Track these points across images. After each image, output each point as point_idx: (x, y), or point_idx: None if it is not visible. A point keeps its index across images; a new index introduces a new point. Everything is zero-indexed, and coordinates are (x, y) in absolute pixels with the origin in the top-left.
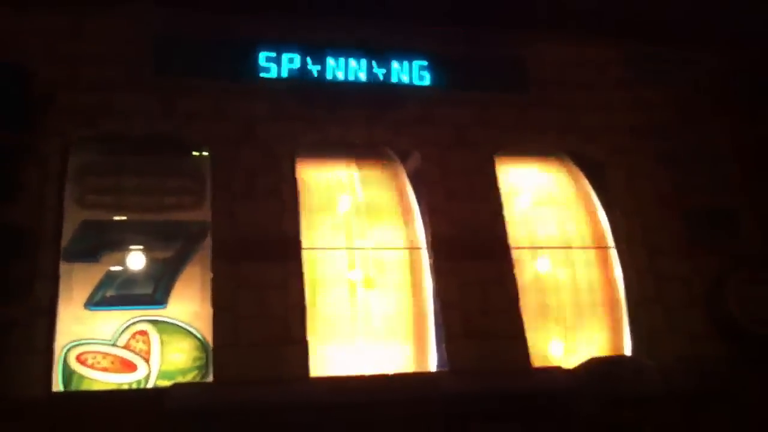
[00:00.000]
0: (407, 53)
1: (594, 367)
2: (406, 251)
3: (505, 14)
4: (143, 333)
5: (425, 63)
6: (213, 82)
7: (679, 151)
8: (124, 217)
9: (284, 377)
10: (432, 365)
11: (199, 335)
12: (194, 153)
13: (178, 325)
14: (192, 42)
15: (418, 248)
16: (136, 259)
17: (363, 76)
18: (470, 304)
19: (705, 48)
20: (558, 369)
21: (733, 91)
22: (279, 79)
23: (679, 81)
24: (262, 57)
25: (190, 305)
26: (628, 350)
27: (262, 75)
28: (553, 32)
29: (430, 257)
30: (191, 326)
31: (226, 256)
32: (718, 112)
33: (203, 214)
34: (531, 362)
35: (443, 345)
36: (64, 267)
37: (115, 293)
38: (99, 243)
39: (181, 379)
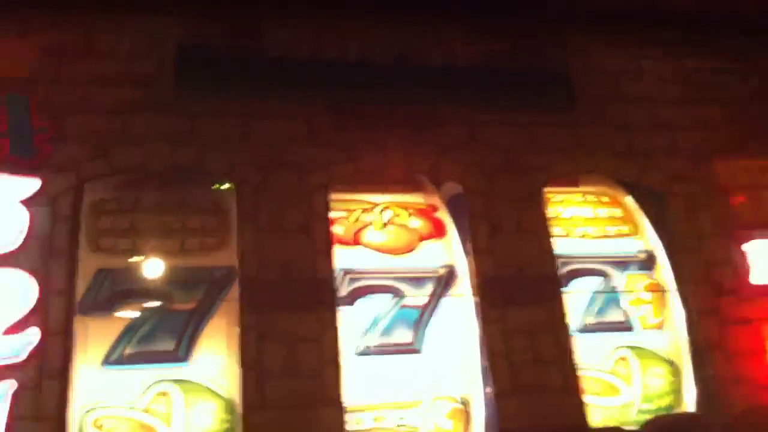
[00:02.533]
0: (448, 70)
1: (658, 426)
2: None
3: (554, 24)
4: (165, 394)
5: (468, 80)
6: (238, 103)
7: (743, 176)
8: (141, 263)
9: None
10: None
11: (225, 395)
12: (217, 186)
13: (203, 385)
14: (214, 59)
15: (462, 295)
16: (156, 312)
17: (400, 96)
18: (518, 354)
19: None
20: (618, 429)
21: None
22: (311, 100)
23: (741, 95)
24: (292, 74)
25: (215, 361)
26: (691, 403)
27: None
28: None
29: (475, 302)
30: (217, 385)
31: (254, 305)
32: None
33: (228, 257)
34: (587, 420)
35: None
36: (77, 320)
37: (135, 350)
38: (115, 294)
39: None
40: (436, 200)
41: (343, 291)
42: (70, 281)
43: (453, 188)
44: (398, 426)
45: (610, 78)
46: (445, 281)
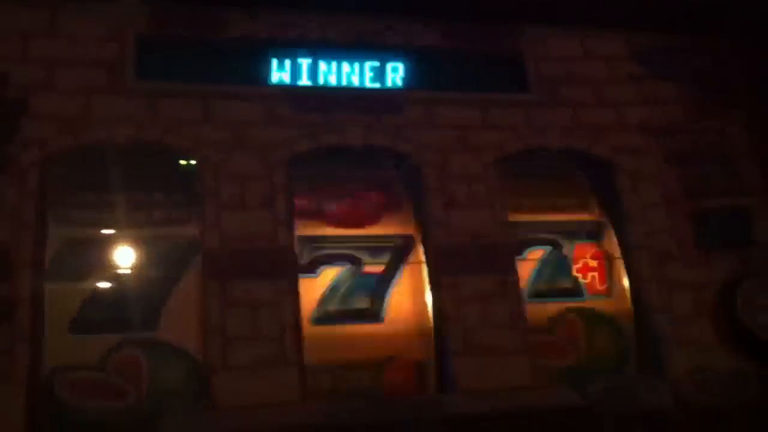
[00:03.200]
0: (405, 53)
1: (603, 384)
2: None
3: (506, 8)
4: (133, 357)
5: (425, 62)
6: (201, 85)
7: (689, 149)
8: (110, 233)
9: (280, 401)
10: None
11: (191, 358)
12: (182, 162)
13: (169, 348)
14: (177, 42)
15: (419, 263)
16: (122, 279)
17: (357, 80)
18: (472, 320)
19: (716, 37)
20: (566, 388)
21: (747, 81)
22: (271, 82)
23: (691, 74)
24: (251, 59)
25: (181, 326)
26: (636, 364)
27: (254, 78)
28: (555, 26)
29: (429, 271)
30: (183, 348)
31: (216, 273)
32: (732, 106)
33: (193, 229)
34: (537, 379)
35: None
36: (46, 289)
37: (102, 316)
38: (83, 263)
39: (174, 404)
40: (395, 175)
41: (304, 260)
42: (39, 251)
43: (411, 164)
44: (356, 386)
45: (561, 59)
46: (402, 250)
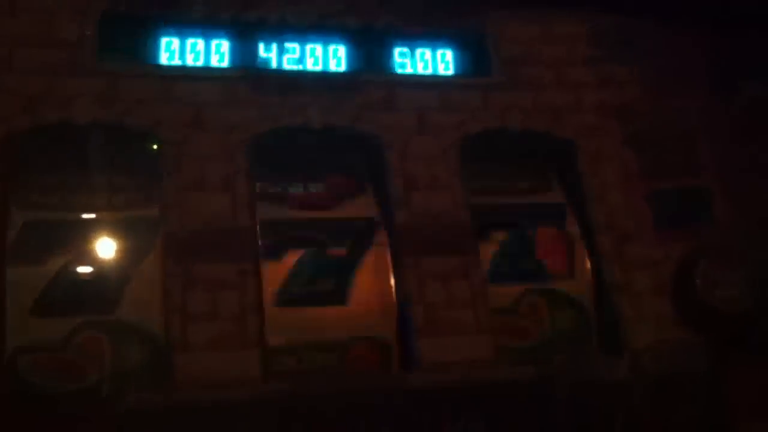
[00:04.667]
0: (365, 34)
1: (562, 359)
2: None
3: None
4: (94, 337)
5: (385, 44)
6: (160, 66)
7: (646, 130)
8: (71, 216)
9: (240, 379)
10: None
11: (152, 337)
12: (152, 144)
13: (129, 327)
14: (137, 23)
15: (382, 245)
16: (84, 261)
17: (318, 60)
18: (434, 299)
19: (674, 18)
20: (527, 366)
21: (704, 62)
22: (230, 64)
23: (648, 55)
24: (211, 40)
25: (142, 306)
26: (598, 342)
27: (211, 58)
28: (515, 8)
29: (392, 252)
30: (145, 329)
31: (177, 254)
32: (688, 87)
33: (154, 212)
34: (497, 356)
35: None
36: (6, 272)
37: (63, 298)
38: (44, 246)
39: (135, 385)
40: (356, 157)
41: (267, 243)
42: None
43: (373, 146)
44: (320, 367)
45: (520, 41)
46: (365, 233)
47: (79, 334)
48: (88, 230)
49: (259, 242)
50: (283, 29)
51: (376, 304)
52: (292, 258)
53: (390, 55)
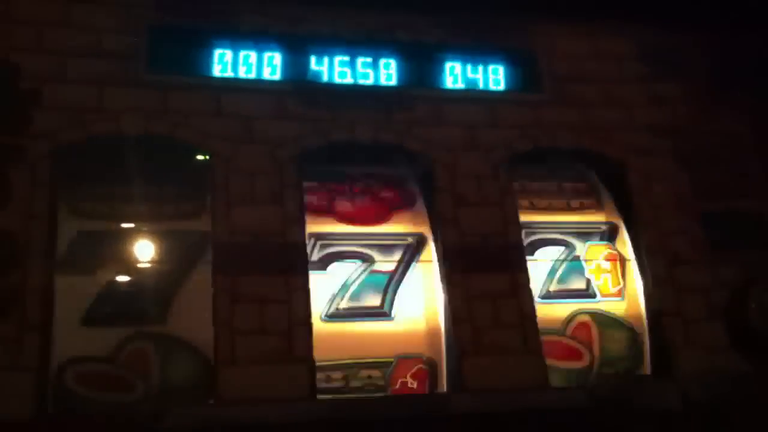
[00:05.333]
0: (416, 49)
1: (613, 384)
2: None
3: (515, 5)
4: (142, 350)
5: (435, 59)
6: (211, 78)
7: (698, 149)
8: (121, 226)
9: (288, 397)
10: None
11: (200, 351)
12: (199, 157)
13: (178, 342)
14: (188, 35)
15: (429, 261)
16: (133, 272)
17: (369, 75)
18: (482, 319)
19: (724, 35)
20: (577, 389)
21: (754, 77)
22: (281, 78)
23: (698, 73)
24: (263, 53)
25: (191, 320)
26: (648, 366)
27: (262, 71)
28: (565, 24)
29: (441, 269)
30: (193, 342)
31: (226, 268)
32: (739, 106)
33: (203, 223)
34: (547, 380)
35: (455, 362)
36: (58, 281)
37: (112, 309)
38: (95, 255)
39: (181, 398)
40: (405, 173)
41: (315, 257)
42: (51, 242)
43: (422, 162)
44: (365, 385)
45: (570, 59)
46: (413, 249)
47: (127, 346)
48: (137, 241)
49: (308, 256)
50: (333, 43)
51: (422, 322)
52: (339, 272)
53: (440, 71)
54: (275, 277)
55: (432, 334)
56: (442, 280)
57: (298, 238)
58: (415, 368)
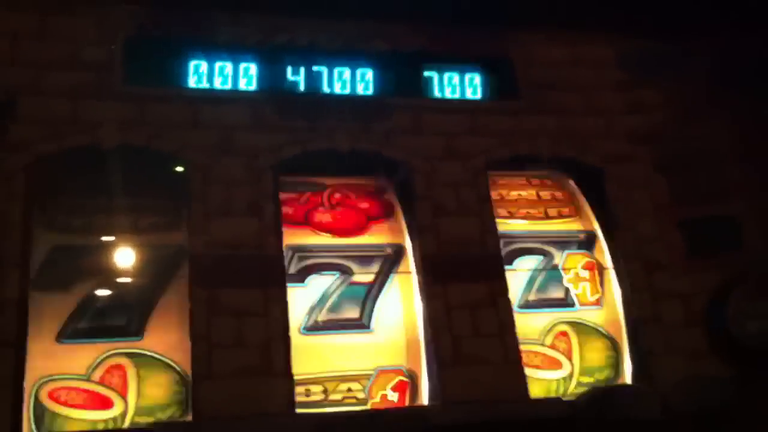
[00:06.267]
0: (393, 58)
1: (592, 395)
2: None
3: (492, 14)
4: (119, 367)
5: (413, 68)
6: (188, 90)
7: (677, 156)
8: (98, 240)
9: (267, 412)
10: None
11: (178, 368)
12: (178, 168)
13: (155, 358)
14: (165, 46)
15: (408, 272)
16: (109, 287)
17: (346, 84)
18: (461, 329)
19: (703, 42)
20: (557, 399)
21: (733, 85)
22: (258, 88)
23: (676, 79)
24: (239, 63)
25: (167, 335)
26: (629, 375)
27: (238, 82)
28: (543, 32)
29: (419, 279)
30: (169, 358)
31: (203, 281)
32: (717, 111)
33: (180, 236)
34: (527, 391)
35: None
36: (33, 296)
37: (88, 325)
38: (70, 270)
39: (160, 415)
40: (384, 183)
41: (293, 269)
42: (25, 257)
43: (400, 171)
44: (345, 398)
45: (548, 67)
46: (392, 259)
47: (104, 363)
48: (113, 254)
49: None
50: (311, 53)
51: (402, 333)
52: (317, 284)
53: (418, 80)
54: (253, 290)
55: (411, 345)
56: (420, 291)
57: (276, 250)
58: (396, 380)
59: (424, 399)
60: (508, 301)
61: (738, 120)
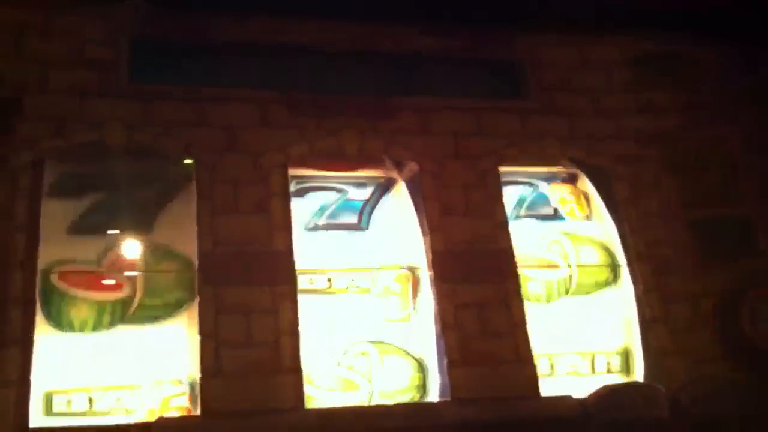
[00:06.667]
0: (402, 58)
1: (603, 394)
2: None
3: (502, 14)
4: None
5: (420, 68)
6: (194, 88)
7: (687, 157)
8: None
9: (276, 409)
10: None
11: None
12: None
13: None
14: (171, 44)
15: (417, 267)
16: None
17: (353, 83)
18: (473, 328)
19: (712, 43)
20: (567, 397)
21: (745, 86)
22: (265, 87)
23: (687, 81)
24: (247, 60)
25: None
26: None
27: (246, 80)
28: (554, 34)
29: (429, 278)
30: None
31: (211, 278)
32: (728, 114)
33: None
34: (539, 390)
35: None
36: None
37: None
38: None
39: (168, 297)
40: (394, 174)
41: (293, 188)
42: (32, 253)
43: (409, 170)
44: (349, 287)
45: (557, 67)
46: (384, 186)
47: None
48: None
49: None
50: (319, 52)
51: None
52: (315, 197)
53: (426, 79)
54: (262, 287)
55: (409, 244)
56: (431, 288)
57: (285, 247)
58: (396, 274)
59: (435, 394)
60: (520, 299)
61: (749, 121)
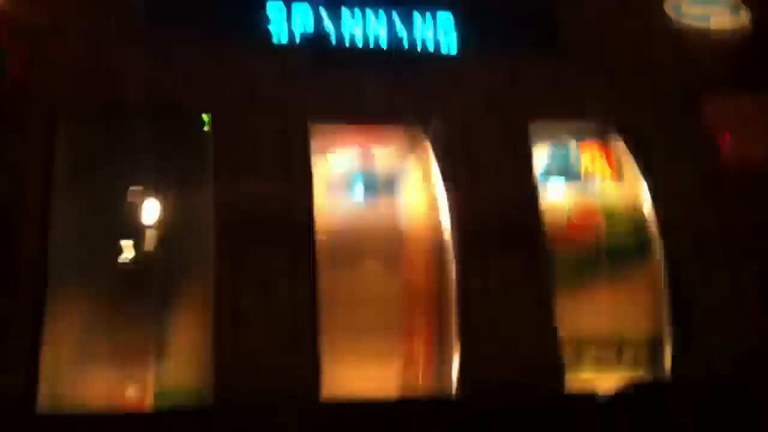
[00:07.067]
0: (432, 10)
1: (630, 390)
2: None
3: None
4: None
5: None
6: (214, 36)
7: (728, 117)
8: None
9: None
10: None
11: None
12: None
13: None
14: None
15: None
16: None
17: (383, 34)
18: (497, 304)
19: None
20: (591, 395)
21: None
22: (288, 39)
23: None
24: (269, 11)
25: None
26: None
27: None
28: None
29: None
30: None
31: (230, 238)
32: None
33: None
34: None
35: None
36: None
37: None
38: None
39: None
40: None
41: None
42: (45, 213)
43: (434, 126)
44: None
45: (595, 19)
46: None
47: None
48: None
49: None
50: (343, 3)
51: None
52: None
53: (456, 33)
54: (280, 248)
55: None
56: (455, 259)
57: (306, 208)
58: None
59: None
60: (546, 277)
61: None
